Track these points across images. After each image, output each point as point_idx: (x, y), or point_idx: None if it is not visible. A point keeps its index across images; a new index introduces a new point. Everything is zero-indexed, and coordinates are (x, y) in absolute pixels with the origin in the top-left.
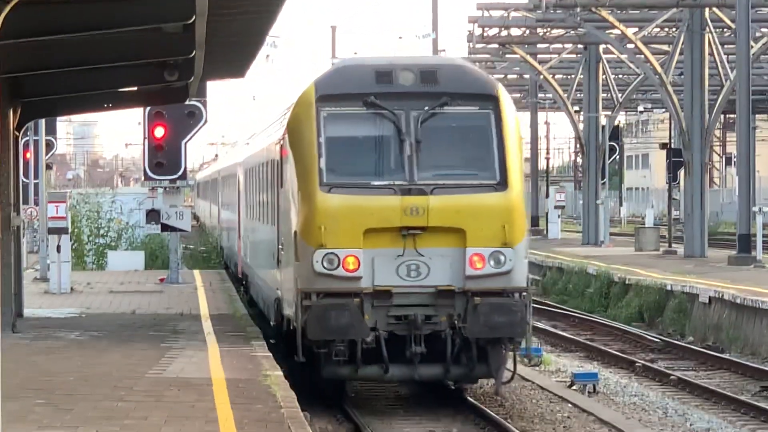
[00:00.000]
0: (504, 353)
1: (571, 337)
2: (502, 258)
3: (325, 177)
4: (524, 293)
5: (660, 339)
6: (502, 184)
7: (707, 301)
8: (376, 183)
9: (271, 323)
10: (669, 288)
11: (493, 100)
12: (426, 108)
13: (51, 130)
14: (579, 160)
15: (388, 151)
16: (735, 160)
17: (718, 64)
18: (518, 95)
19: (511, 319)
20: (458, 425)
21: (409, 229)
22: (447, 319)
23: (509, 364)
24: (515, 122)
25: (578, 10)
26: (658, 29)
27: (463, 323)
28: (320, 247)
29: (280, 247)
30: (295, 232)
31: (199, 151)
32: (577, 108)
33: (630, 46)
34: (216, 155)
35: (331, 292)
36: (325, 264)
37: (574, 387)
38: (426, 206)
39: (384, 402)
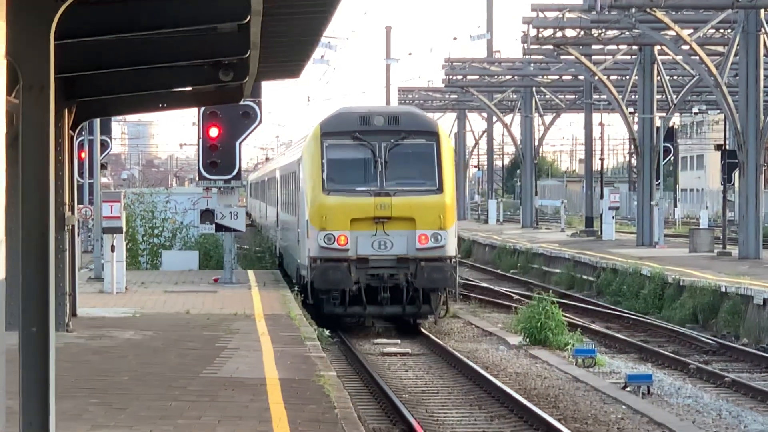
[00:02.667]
0: (440, 297)
1: (625, 338)
2: (439, 237)
3: (326, 185)
4: (453, 259)
5: (714, 341)
6: (440, 190)
7: (762, 302)
8: (359, 189)
9: (293, 281)
10: (723, 289)
11: (435, 135)
12: (391, 140)
13: (106, 130)
14: (633, 161)
15: (366, 168)
16: None
17: None
18: (573, 96)
19: (444, 275)
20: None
21: (379, 219)
22: (404, 276)
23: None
24: (449, 149)
25: (633, 11)
26: (713, 30)
27: (414, 279)
28: (323, 230)
29: (299, 230)
30: (307, 220)
31: (253, 152)
32: (631, 109)
33: (685, 47)
34: (266, 158)
35: (330, 258)
36: (325, 240)
37: (627, 388)
38: (390, 203)
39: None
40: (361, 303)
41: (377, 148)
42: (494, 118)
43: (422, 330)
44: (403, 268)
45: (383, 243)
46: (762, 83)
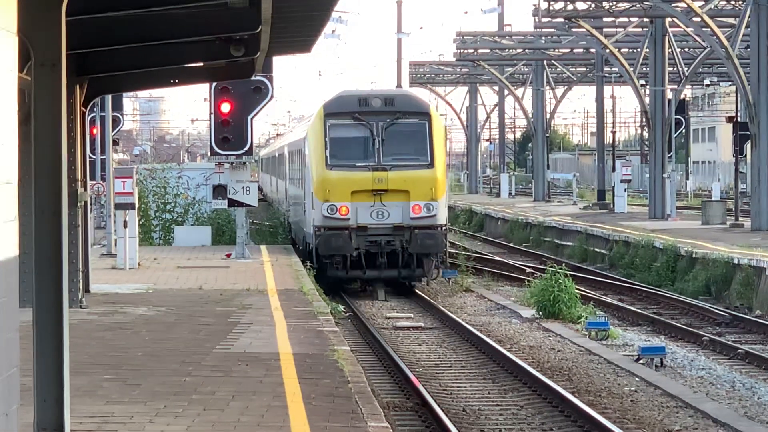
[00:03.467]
0: (432, 262)
1: (638, 311)
2: (431, 207)
3: (329, 161)
4: (444, 227)
5: (727, 312)
6: (431, 165)
7: None
8: (359, 164)
9: (300, 248)
10: (736, 261)
11: (427, 116)
12: (387, 120)
13: (117, 106)
14: (645, 134)
15: (365, 145)
16: None
17: None
18: (584, 69)
19: (436, 242)
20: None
21: (377, 191)
22: (399, 243)
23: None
24: (440, 128)
25: None
26: (725, 2)
27: (408, 245)
28: (326, 201)
29: (305, 202)
30: (312, 193)
31: (265, 127)
32: (643, 82)
33: (696, 19)
34: (277, 133)
35: (332, 227)
36: (328, 211)
37: (641, 361)
38: (386, 177)
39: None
40: (361, 267)
41: (375, 127)
42: (506, 92)
43: (417, 291)
44: (398, 235)
45: (381, 213)
46: None
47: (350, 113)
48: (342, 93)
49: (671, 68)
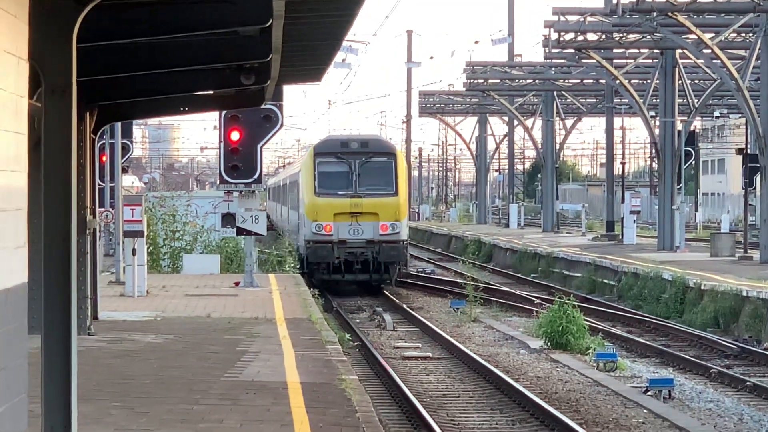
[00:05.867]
0: (396, 268)
1: (647, 342)
2: (395, 226)
3: (317, 189)
4: (405, 242)
5: (736, 345)
6: (396, 193)
7: None
8: (340, 192)
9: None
10: (745, 294)
11: (393, 155)
12: (363, 158)
13: (127, 134)
14: (654, 165)
15: (345, 178)
16: None
17: None
18: (594, 100)
19: (399, 253)
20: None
21: (354, 213)
22: (371, 253)
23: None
24: (403, 164)
25: (654, 14)
26: (735, 34)
27: (377, 255)
28: (315, 221)
29: (299, 221)
30: (304, 214)
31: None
32: (653, 113)
33: (706, 51)
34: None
35: (319, 241)
36: (316, 228)
37: (649, 392)
38: (361, 203)
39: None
40: (341, 272)
41: (353, 164)
42: (515, 122)
43: (384, 291)
44: (370, 247)
45: (356, 230)
46: None
47: (334, 153)
48: (328, 137)
49: (681, 100)
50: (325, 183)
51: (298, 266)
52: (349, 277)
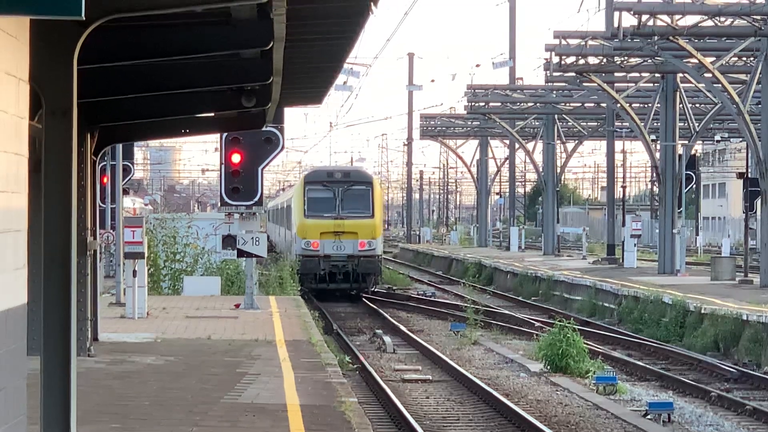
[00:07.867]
0: (372, 278)
1: (646, 366)
2: (372, 243)
3: (306, 212)
4: (379, 257)
5: (735, 369)
6: (372, 216)
7: None
8: (326, 215)
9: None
10: (745, 318)
11: (371, 184)
12: (345, 186)
13: (128, 155)
14: (655, 189)
15: (330, 203)
16: None
17: None
18: (595, 124)
19: (374, 266)
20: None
21: (337, 232)
22: (351, 266)
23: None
24: (379, 192)
25: (655, 38)
26: (736, 58)
27: (357, 267)
28: (304, 238)
29: (292, 239)
30: (295, 233)
31: (276, 177)
32: (653, 137)
33: (707, 75)
34: (282, 188)
35: (308, 255)
36: (305, 245)
37: (648, 416)
38: (343, 224)
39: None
40: (326, 281)
41: (336, 191)
42: (516, 145)
43: (363, 298)
44: (351, 261)
45: (339, 246)
46: None
47: (321, 182)
48: (317, 168)
49: (682, 124)
50: (313, 207)
51: (299, 288)
52: (332, 285)
